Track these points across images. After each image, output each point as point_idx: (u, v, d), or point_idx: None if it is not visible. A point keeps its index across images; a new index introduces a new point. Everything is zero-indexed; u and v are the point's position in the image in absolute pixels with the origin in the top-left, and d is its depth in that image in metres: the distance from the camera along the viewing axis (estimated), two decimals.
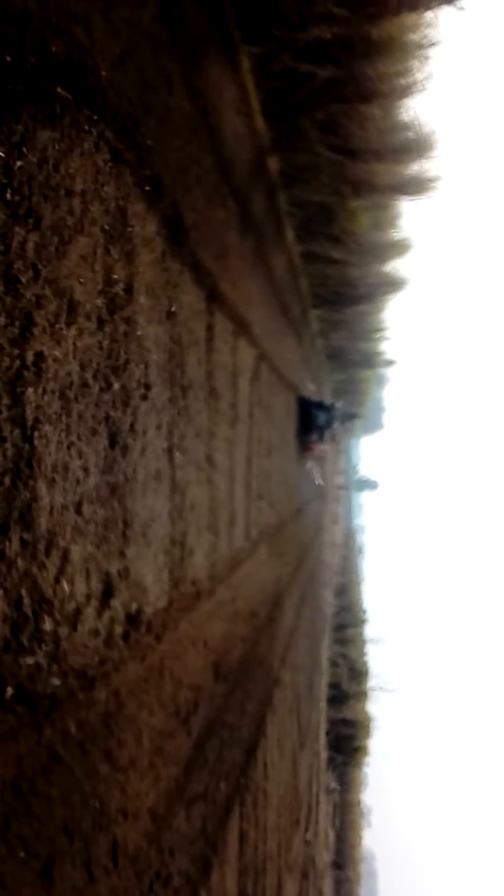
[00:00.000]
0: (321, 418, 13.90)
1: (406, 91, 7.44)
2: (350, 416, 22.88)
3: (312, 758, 14.23)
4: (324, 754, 18.12)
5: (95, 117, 2.89)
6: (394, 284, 16.01)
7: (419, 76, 7.20)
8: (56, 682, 2.49)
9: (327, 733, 19.29)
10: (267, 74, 6.20)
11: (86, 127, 2.82)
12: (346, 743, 21.52)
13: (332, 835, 19.10)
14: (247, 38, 5.63)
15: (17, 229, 2.26)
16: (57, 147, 2.56)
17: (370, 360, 26.52)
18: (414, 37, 6.56)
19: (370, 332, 22.23)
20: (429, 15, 6.23)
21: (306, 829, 12.08)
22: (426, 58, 6.98)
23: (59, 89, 2.59)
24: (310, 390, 14.55)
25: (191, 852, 4.08)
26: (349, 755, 21.99)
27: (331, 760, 19.90)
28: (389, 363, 29.64)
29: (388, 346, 26.06)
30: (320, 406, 14.23)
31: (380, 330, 22.84)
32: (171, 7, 3.90)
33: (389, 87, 7.17)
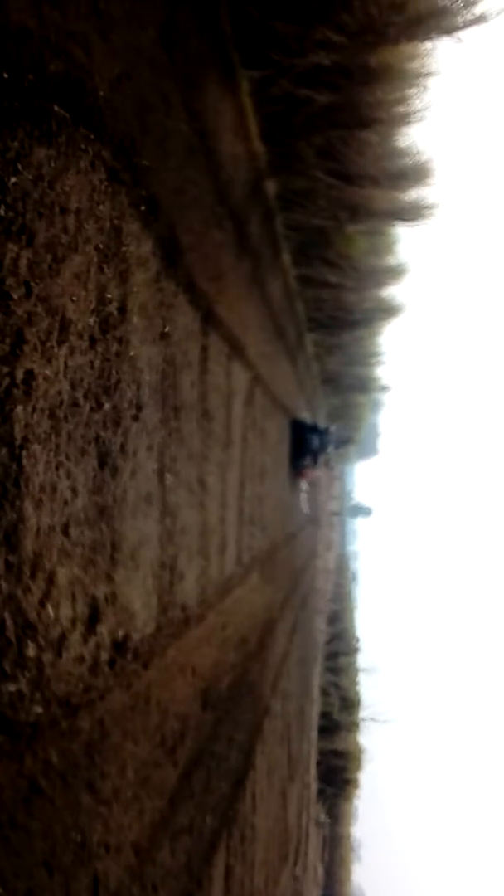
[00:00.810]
0: (315, 442, 13.79)
1: (404, 118, 7.51)
2: (344, 441, 22.80)
3: (302, 790, 14.01)
4: (314, 786, 17.85)
5: (92, 136, 2.88)
6: (390, 310, 16.09)
7: (417, 104, 7.27)
8: (38, 709, 2.41)
9: (318, 764, 19.02)
10: (266, 98, 6.24)
11: (82, 146, 2.80)
12: (337, 775, 21.23)
13: (321, 870, 18.76)
14: (246, 62, 5.67)
15: (10, 246, 2.23)
16: (53, 165, 2.54)
17: (365, 385, 26.59)
18: (412, 65, 6.63)
19: (366, 356, 22.31)
20: (427, 45, 6.30)
21: (295, 864, 11.84)
22: (424, 87, 7.05)
23: (56, 107, 2.58)
24: (303, 415, 14.50)
25: (175, 888, 3.96)
26: (340, 787, 21.70)
27: (321, 792, 19.61)
28: (385, 388, 29.72)
29: (384, 372, 26.16)
30: (314, 430, 14.14)
31: (375, 355, 22.94)
32: (171, 29, 3.92)
33: (388, 115, 7.24)
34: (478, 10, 5.59)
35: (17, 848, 2.26)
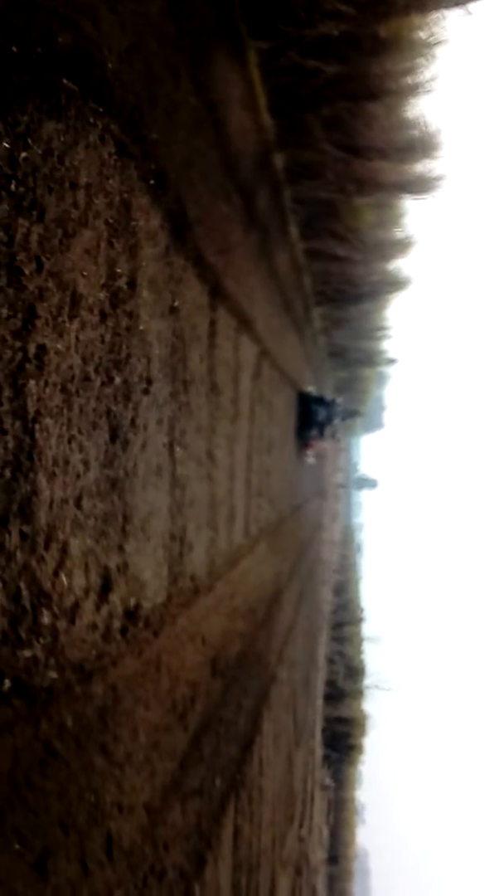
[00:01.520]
0: (321, 414, 13.81)
1: (412, 89, 7.41)
2: (351, 413, 22.65)
3: (308, 755, 14.25)
4: (319, 751, 18.14)
5: (101, 109, 2.88)
6: (397, 283, 15.99)
7: (426, 75, 7.18)
8: (53, 675, 2.49)
9: (323, 730, 19.32)
10: (274, 70, 6.18)
11: (91, 119, 2.81)
12: (342, 740, 21.57)
13: (326, 831, 19.13)
14: (254, 32, 5.61)
15: (21, 221, 2.25)
16: (62, 139, 2.55)
17: (372, 359, 26.51)
18: (422, 36, 6.54)
19: (372, 330, 22.22)
20: (437, 15, 6.21)
21: (300, 826, 12.10)
22: (433, 57, 6.96)
23: (65, 81, 2.58)
24: (310, 387, 14.48)
25: (185, 847, 4.09)
26: (344, 753, 22.04)
27: (326, 757, 19.93)
28: (391, 362, 29.59)
29: (390, 345, 26.07)
30: (320, 401, 14.15)
31: (382, 328, 22.83)
32: (180, 1, 3.89)
33: (396, 86, 7.15)
34: None
35: (33, 807, 2.34)
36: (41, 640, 2.40)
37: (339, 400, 16.82)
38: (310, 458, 15.41)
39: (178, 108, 3.96)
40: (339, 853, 21.24)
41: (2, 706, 2.18)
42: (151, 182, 3.47)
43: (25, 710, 2.31)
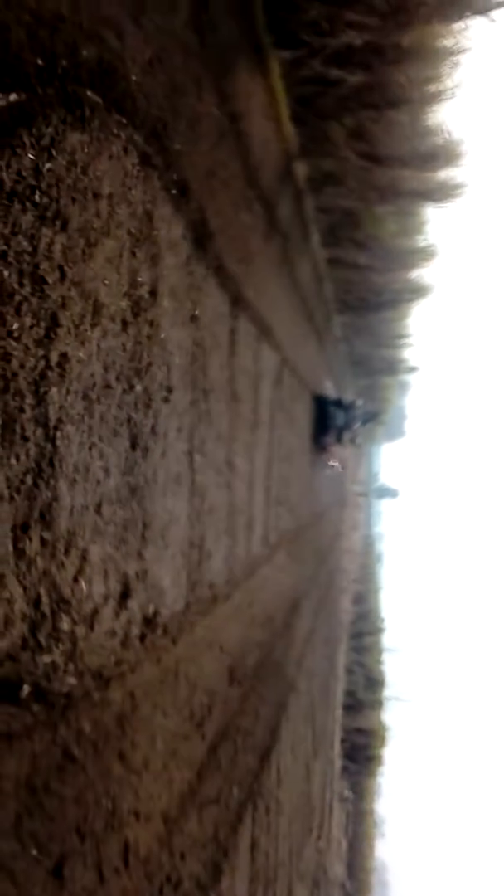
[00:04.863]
0: (339, 418, 12.83)
1: (435, 98, 7.41)
2: (372, 416, 21.67)
3: (326, 765, 14.16)
4: (338, 762, 18.02)
5: (125, 121, 2.91)
6: (418, 291, 15.93)
7: (449, 83, 7.17)
8: (72, 681, 2.50)
9: (342, 741, 19.19)
10: (296, 80, 6.21)
11: (115, 130, 2.84)
12: (361, 752, 21.39)
13: (344, 844, 18.97)
14: (277, 43, 5.64)
15: (44, 231, 2.28)
16: (86, 150, 2.58)
17: (393, 367, 26.41)
18: (445, 44, 6.54)
19: (394, 338, 22.13)
20: (460, 24, 6.21)
21: (319, 838, 12.01)
22: (456, 65, 6.94)
23: (89, 93, 2.61)
24: (327, 390, 13.51)
25: (202, 857, 4.07)
26: (363, 764, 21.85)
27: (345, 769, 19.78)
28: (412, 370, 29.43)
29: (412, 354, 25.94)
30: (338, 404, 13.16)
31: (403, 337, 22.75)
32: (203, 12, 3.92)
33: (419, 94, 7.15)
34: None
35: (50, 813, 2.35)
36: (60, 646, 2.42)
37: (360, 402, 15.52)
38: (332, 465, 14.70)
39: (201, 118, 3.99)
40: (357, 866, 21.05)
41: (21, 711, 2.20)
42: (174, 192, 3.50)
43: (44, 715, 2.33)
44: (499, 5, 5.56)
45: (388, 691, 24.82)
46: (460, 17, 5.86)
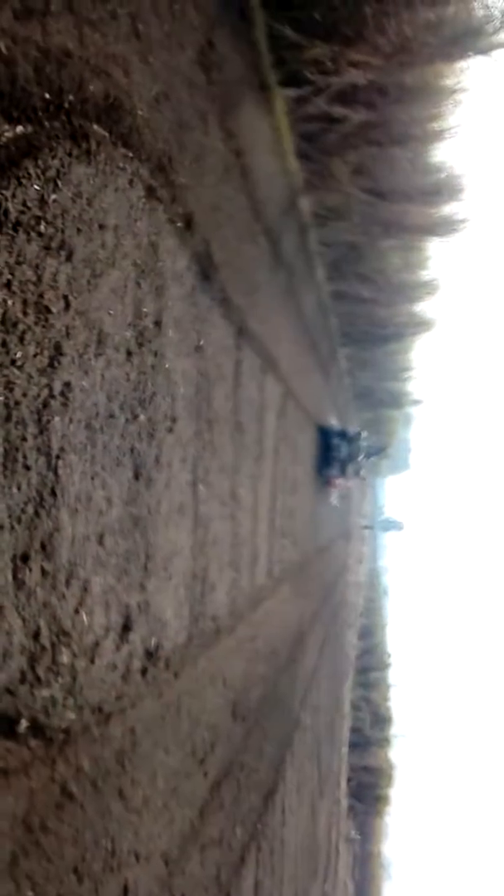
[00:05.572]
0: (343, 450, 12.77)
1: (438, 135, 7.53)
2: (378, 449, 21.37)
3: (332, 805, 13.87)
4: (344, 802, 17.67)
5: (131, 155, 2.95)
6: (422, 324, 16.04)
7: (451, 121, 7.29)
8: (71, 716, 2.45)
9: (348, 780, 18.83)
10: (301, 117, 6.32)
11: (121, 164, 2.87)
12: (368, 791, 20.98)
13: (351, 887, 18.52)
14: (282, 81, 5.75)
15: (49, 261, 2.29)
16: (91, 182, 2.61)
17: (397, 400, 26.49)
18: (447, 83, 6.66)
19: (398, 371, 22.23)
20: (462, 63, 6.33)
21: (325, 880, 11.72)
22: (458, 103, 7.07)
23: (95, 127, 2.65)
24: (331, 421, 13.49)
25: None
26: (370, 804, 21.43)
27: (351, 809, 19.39)
28: (417, 403, 29.48)
29: (416, 387, 26.02)
30: (343, 436, 13.11)
31: (408, 369, 22.84)
32: (209, 50, 4.00)
33: (422, 131, 7.27)
34: None
35: (48, 853, 2.29)
36: (60, 680, 2.37)
37: (364, 434, 15.32)
38: (333, 499, 14.62)
39: (207, 153, 4.05)
40: None
41: (18, 747, 2.15)
42: (179, 225, 3.53)
43: (42, 751, 2.28)
44: (501, 45, 5.67)
45: (395, 728, 24.44)
46: (462, 56, 5.97)
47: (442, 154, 8.13)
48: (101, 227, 2.67)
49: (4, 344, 2.06)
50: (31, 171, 2.18)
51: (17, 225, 2.11)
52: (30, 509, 2.18)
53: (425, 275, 13.45)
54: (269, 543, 6.63)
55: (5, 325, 2.06)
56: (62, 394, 2.37)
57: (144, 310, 3.09)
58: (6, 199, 2.06)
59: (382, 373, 21.06)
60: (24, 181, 2.15)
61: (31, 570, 2.18)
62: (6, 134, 2.08)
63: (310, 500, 10.93)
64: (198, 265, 3.86)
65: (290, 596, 8.13)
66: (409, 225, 9.14)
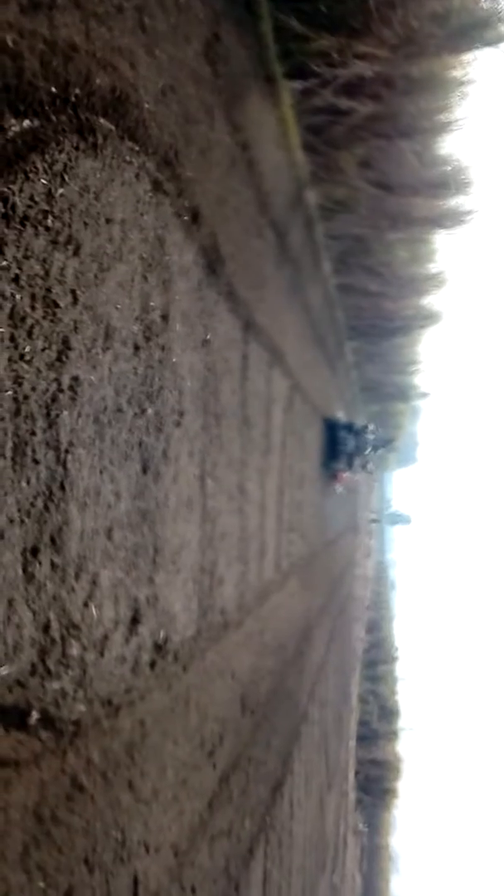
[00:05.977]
0: (350, 444, 12.56)
1: (445, 127, 7.49)
2: (386, 442, 21.10)
3: (340, 798, 13.91)
4: (352, 795, 17.70)
5: (137, 148, 2.95)
6: (429, 317, 15.98)
7: (458, 113, 7.26)
8: (81, 708, 2.46)
9: (356, 773, 18.87)
10: (307, 109, 6.29)
11: (127, 157, 2.87)
12: (376, 784, 21.02)
13: (359, 879, 18.57)
14: (289, 73, 5.73)
15: (57, 255, 2.30)
16: (98, 176, 2.60)
17: (404, 393, 26.43)
18: (454, 75, 6.63)
19: (405, 364, 22.16)
20: (469, 55, 6.30)
21: (332, 872, 11.76)
22: (465, 95, 7.03)
23: (101, 120, 2.65)
24: (338, 414, 13.31)
25: (213, 891, 3.99)
26: (378, 797, 21.47)
27: (359, 801, 19.43)
28: (424, 396, 29.40)
29: (423, 380, 25.94)
30: (349, 429, 12.93)
31: (415, 363, 22.77)
32: (215, 43, 3.99)
33: (429, 124, 7.24)
34: None
35: (59, 844, 2.31)
36: (70, 672, 2.38)
37: (372, 427, 15.13)
38: (338, 489, 14.48)
39: (213, 146, 4.04)
40: None
41: (29, 739, 2.16)
42: (185, 218, 3.52)
43: (53, 743, 2.29)
44: None
45: (403, 722, 24.47)
46: (469, 48, 5.94)
47: (449, 146, 8.09)
48: (109, 221, 2.67)
49: (13, 338, 2.06)
50: (38, 165, 2.18)
51: (24, 219, 2.12)
52: (39, 503, 2.19)
53: (432, 268, 13.39)
54: (277, 537, 6.63)
55: (14, 320, 2.07)
56: (70, 388, 2.37)
57: (151, 304, 3.09)
58: (13, 194, 2.07)
59: (389, 366, 20.99)
60: (31, 175, 2.15)
61: (40, 563, 2.19)
62: (13, 128, 2.08)
63: (317, 493, 10.93)
64: (204, 259, 3.85)
65: (298, 590, 8.14)
66: (416, 218, 9.10)
